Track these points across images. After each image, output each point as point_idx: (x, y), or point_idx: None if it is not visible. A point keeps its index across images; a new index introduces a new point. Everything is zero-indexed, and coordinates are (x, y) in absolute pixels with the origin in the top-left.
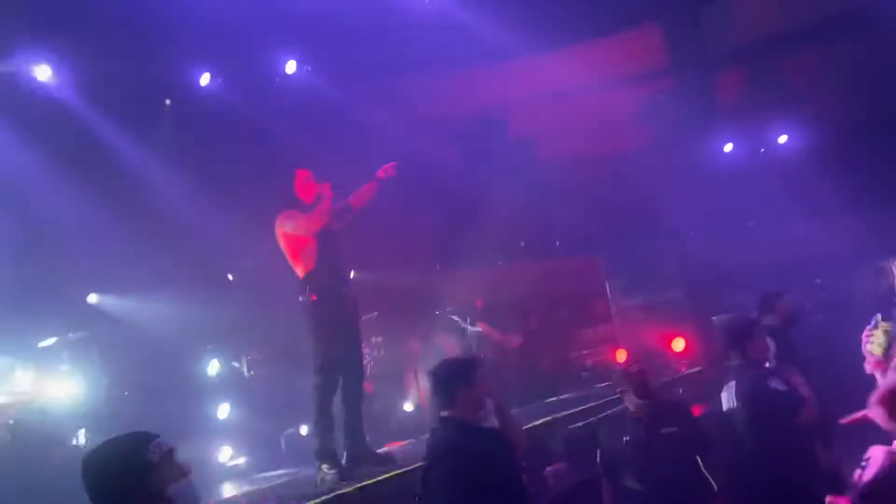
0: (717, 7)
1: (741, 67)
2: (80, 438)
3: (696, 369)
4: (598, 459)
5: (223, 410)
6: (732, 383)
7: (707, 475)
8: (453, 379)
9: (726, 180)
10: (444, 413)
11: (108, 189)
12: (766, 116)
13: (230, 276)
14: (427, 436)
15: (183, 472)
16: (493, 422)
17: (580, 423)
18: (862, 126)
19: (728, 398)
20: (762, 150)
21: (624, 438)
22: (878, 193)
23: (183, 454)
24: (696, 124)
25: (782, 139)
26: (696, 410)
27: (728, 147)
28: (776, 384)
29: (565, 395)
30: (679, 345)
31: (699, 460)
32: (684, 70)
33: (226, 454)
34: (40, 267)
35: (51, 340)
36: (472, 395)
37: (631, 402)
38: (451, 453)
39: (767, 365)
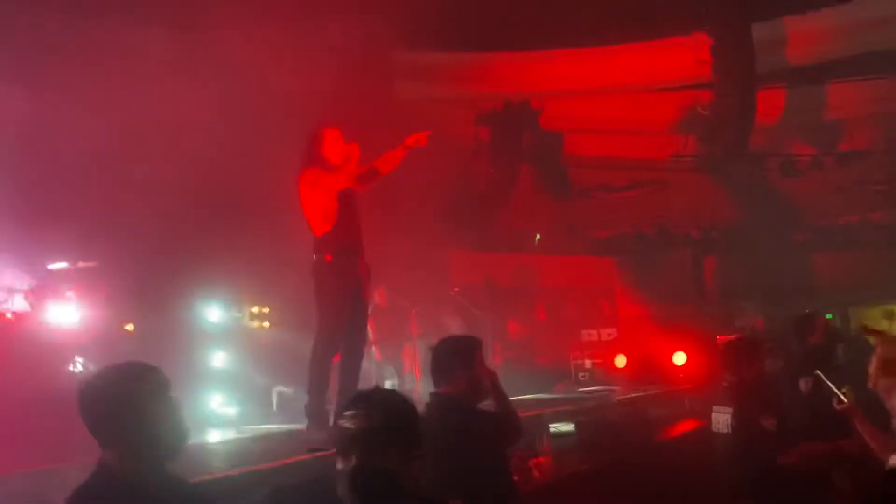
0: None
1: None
2: (77, 366)
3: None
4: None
5: (219, 358)
6: (727, 409)
7: None
8: (452, 356)
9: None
10: (438, 389)
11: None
12: None
13: None
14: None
15: (176, 407)
16: (489, 404)
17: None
18: None
19: (718, 421)
20: None
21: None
22: None
23: (176, 394)
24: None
25: None
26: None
27: None
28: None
29: (560, 393)
30: (680, 359)
31: None
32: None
33: (217, 401)
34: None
35: (61, 264)
36: (470, 374)
37: None
38: (441, 431)
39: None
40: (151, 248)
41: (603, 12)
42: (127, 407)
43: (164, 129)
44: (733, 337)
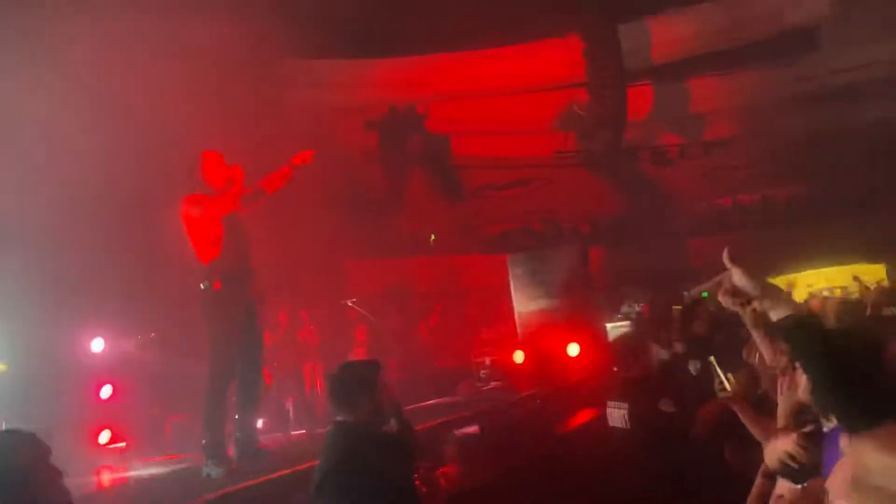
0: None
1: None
2: None
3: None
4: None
5: (106, 390)
6: (622, 404)
7: None
8: (354, 384)
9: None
10: (340, 418)
11: None
12: None
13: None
14: (322, 432)
15: (55, 475)
16: (391, 426)
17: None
18: None
19: (613, 416)
20: None
21: None
22: None
23: (59, 434)
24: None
25: None
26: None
27: None
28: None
29: (461, 395)
30: (574, 350)
31: None
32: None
33: (105, 436)
34: None
35: None
36: (373, 400)
37: None
38: (346, 461)
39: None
40: (22, 278)
41: (481, 17)
42: (3, 478)
43: (31, 144)
44: (619, 333)
